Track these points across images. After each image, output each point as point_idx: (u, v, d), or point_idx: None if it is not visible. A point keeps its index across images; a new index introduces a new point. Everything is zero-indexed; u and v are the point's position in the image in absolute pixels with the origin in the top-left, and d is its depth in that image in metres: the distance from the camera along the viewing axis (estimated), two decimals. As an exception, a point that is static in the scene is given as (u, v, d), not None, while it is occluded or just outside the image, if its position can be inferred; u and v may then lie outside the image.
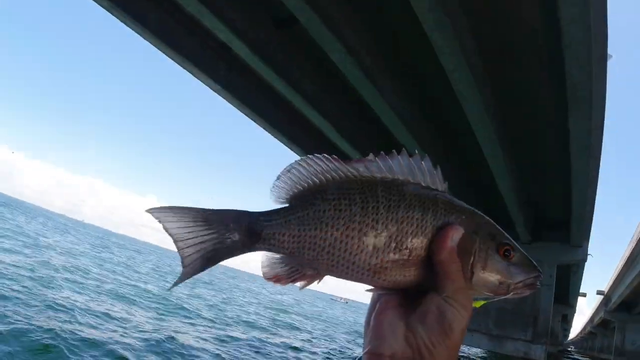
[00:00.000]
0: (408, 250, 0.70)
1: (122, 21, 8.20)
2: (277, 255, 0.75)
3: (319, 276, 0.75)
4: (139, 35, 8.58)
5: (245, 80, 10.12)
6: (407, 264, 0.69)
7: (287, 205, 0.76)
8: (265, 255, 0.76)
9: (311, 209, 0.73)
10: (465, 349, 21.64)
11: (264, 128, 11.67)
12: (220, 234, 0.73)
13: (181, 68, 9.50)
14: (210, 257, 0.74)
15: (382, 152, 0.75)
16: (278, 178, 0.76)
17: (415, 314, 0.66)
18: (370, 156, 0.74)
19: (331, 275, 0.73)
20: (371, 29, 7.85)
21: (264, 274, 0.75)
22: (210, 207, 0.76)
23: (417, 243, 0.70)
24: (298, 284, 0.76)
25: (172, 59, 9.12)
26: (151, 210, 0.73)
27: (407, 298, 0.71)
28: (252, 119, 11.23)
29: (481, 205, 15.13)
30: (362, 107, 9.93)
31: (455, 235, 0.69)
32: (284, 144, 12.27)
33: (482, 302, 0.76)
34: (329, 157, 0.74)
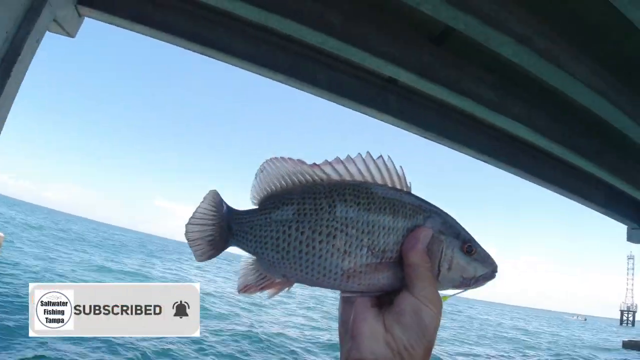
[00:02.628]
0: (381, 253, 0.71)
1: (297, 88, 9.31)
2: (251, 263, 0.77)
3: (288, 283, 0.74)
4: (309, 93, 9.55)
5: (416, 104, 10.19)
6: (380, 267, 0.71)
7: (256, 207, 0.79)
8: (242, 265, 0.77)
9: (274, 210, 0.74)
10: None
11: (445, 145, 11.44)
12: (217, 222, 0.79)
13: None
14: (209, 241, 0.78)
15: (347, 154, 0.74)
16: (255, 177, 0.78)
17: (391, 314, 0.68)
18: (335, 159, 0.73)
19: (302, 281, 0.72)
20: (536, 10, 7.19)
21: (237, 286, 0.76)
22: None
23: (389, 245, 0.71)
24: (267, 292, 0.75)
25: (346, 106, 9.74)
26: (209, 191, 0.80)
27: (381, 297, 0.72)
28: (431, 140, 11.13)
29: None
30: (552, 94, 9.02)
31: (426, 236, 0.71)
32: (475, 157, 11.80)
33: (446, 297, 0.75)
34: (295, 160, 0.74)
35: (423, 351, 0.66)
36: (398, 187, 0.76)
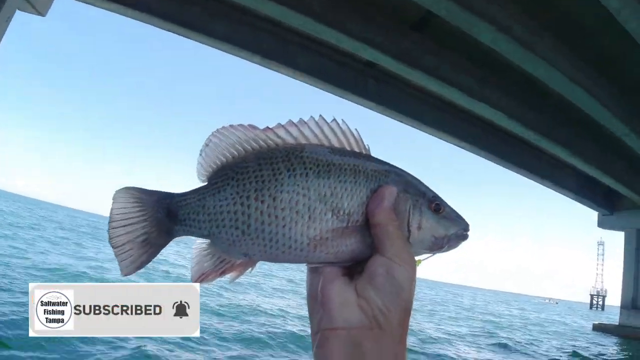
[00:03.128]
0: (346, 217, 0.66)
1: (275, 70, 9.19)
2: (205, 248, 0.70)
3: (251, 263, 0.69)
4: (290, 77, 9.47)
5: (395, 88, 10.19)
6: (347, 231, 0.66)
7: (205, 183, 0.71)
8: (194, 253, 0.70)
9: (228, 182, 0.68)
10: None
11: (421, 130, 11.51)
12: (149, 215, 0.69)
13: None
14: (142, 242, 0.69)
15: (300, 117, 0.69)
16: (200, 153, 0.71)
17: (363, 278, 0.63)
18: (288, 122, 0.69)
19: (266, 258, 0.67)
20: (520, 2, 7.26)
21: (192, 276, 0.69)
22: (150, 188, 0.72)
23: (354, 207, 0.67)
24: (227, 276, 0.69)
25: (326, 90, 9.71)
26: (116, 192, 0.70)
27: (351, 267, 0.67)
28: (408, 125, 11.19)
29: None
30: (529, 83, 9.15)
31: (390, 195, 0.67)
32: (451, 142, 11.90)
33: (420, 261, 0.71)
34: (246, 126, 0.70)
35: (400, 312, 0.61)
36: (356, 149, 0.71)
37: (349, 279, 0.65)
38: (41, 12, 9.76)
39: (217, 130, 0.70)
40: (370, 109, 10.24)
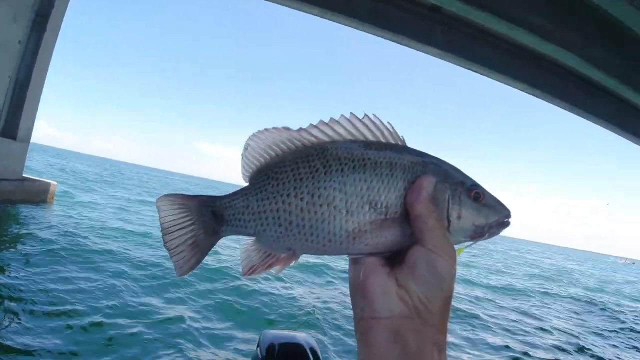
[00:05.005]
0: (384, 209, 0.67)
1: (334, 21, 8.94)
2: (251, 244, 0.73)
3: (294, 256, 0.72)
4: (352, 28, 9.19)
5: (463, 34, 9.57)
6: (385, 223, 0.67)
7: (247, 184, 0.74)
8: (242, 249, 0.74)
9: (269, 182, 0.71)
10: None
11: (494, 78, 10.80)
12: (195, 219, 0.73)
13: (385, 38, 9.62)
14: (192, 244, 0.72)
15: (331, 117, 0.71)
16: (242, 157, 0.74)
17: (403, 270, 0.64)
18: (320, 122, 0.71)
19: (308, 251, 0.70)
20: None
21: (242, 270, 0.73)
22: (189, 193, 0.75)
23: (391, 199, 0.68)
24: (273, 269, 0.73)
25: (389, 39, 9.34)
26: (158, 200, 0.73)
27: (391, 258, 0.69)
28: (479, 72, 10.52)
29: None
30: (611, 26, 8.20)
31: (428, 185, 0.68)
32: (525, 90, 11.11)
33: (461, 249, 0.73)
34: (280, 128, 0.71)
35: (441, 303, 0.63)
36: (392, 142, 0.72)
37: (389, 269, 0.67)
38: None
39: (253, 134, 0.73)
40: (437, 56, 9.72)
